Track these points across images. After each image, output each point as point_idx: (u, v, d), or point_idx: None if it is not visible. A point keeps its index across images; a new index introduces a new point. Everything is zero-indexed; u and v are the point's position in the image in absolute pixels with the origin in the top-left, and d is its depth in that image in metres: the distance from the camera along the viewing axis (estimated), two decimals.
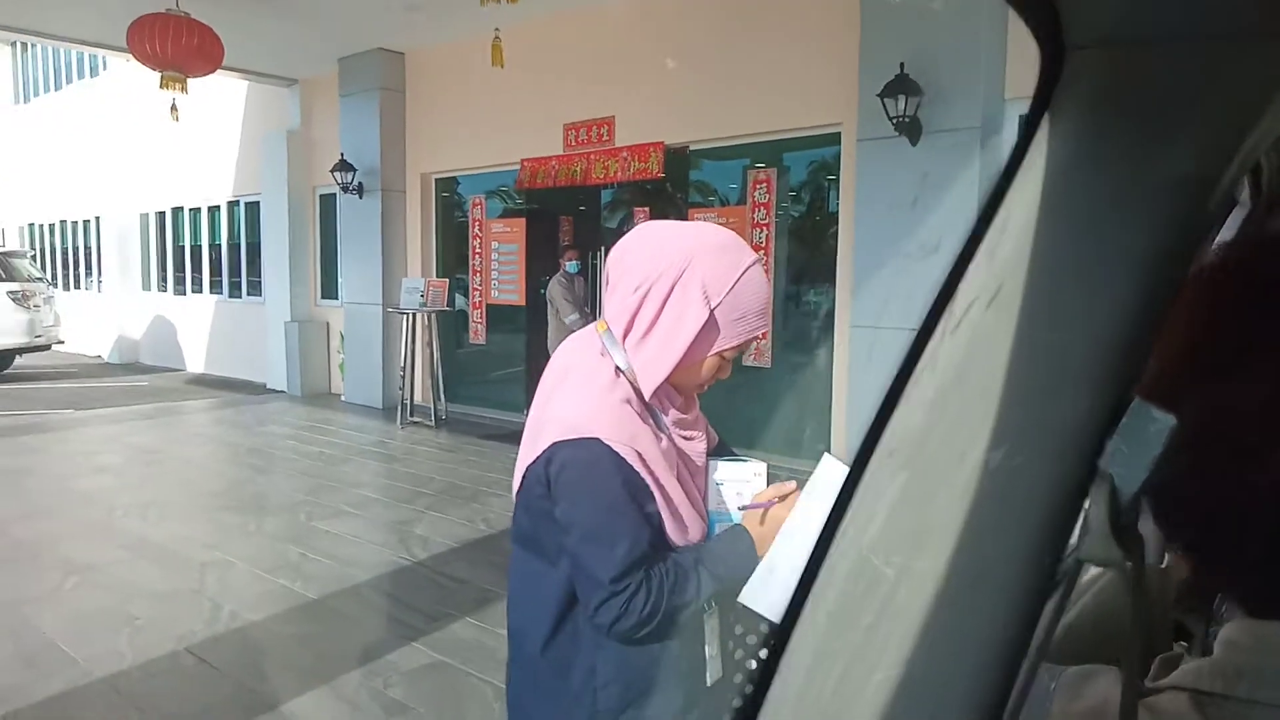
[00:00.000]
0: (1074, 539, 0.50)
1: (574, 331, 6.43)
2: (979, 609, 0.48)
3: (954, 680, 0.48)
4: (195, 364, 13.25)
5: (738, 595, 1.20)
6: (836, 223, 6.21)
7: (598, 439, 1.16)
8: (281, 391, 10.84)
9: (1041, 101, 0.47)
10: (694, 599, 1.18)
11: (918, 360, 0.52)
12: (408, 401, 8.71)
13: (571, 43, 7.63)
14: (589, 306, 7.24)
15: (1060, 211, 0.47)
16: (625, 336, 1.23)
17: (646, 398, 1.23)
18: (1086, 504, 0.48)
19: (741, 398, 6.64)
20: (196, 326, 13.19)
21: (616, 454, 1.16)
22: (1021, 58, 5.07)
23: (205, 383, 12.04)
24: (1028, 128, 0.48)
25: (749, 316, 1.23)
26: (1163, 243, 0.46)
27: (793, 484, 1.38)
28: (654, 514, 1.19)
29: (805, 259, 6.56)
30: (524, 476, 1.24)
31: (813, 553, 0.53)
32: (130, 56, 7.24)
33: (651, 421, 1.24)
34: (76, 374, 12.93)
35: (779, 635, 0.52)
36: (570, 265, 7.30)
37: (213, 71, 7.44)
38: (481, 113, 8.52)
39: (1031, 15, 0.42)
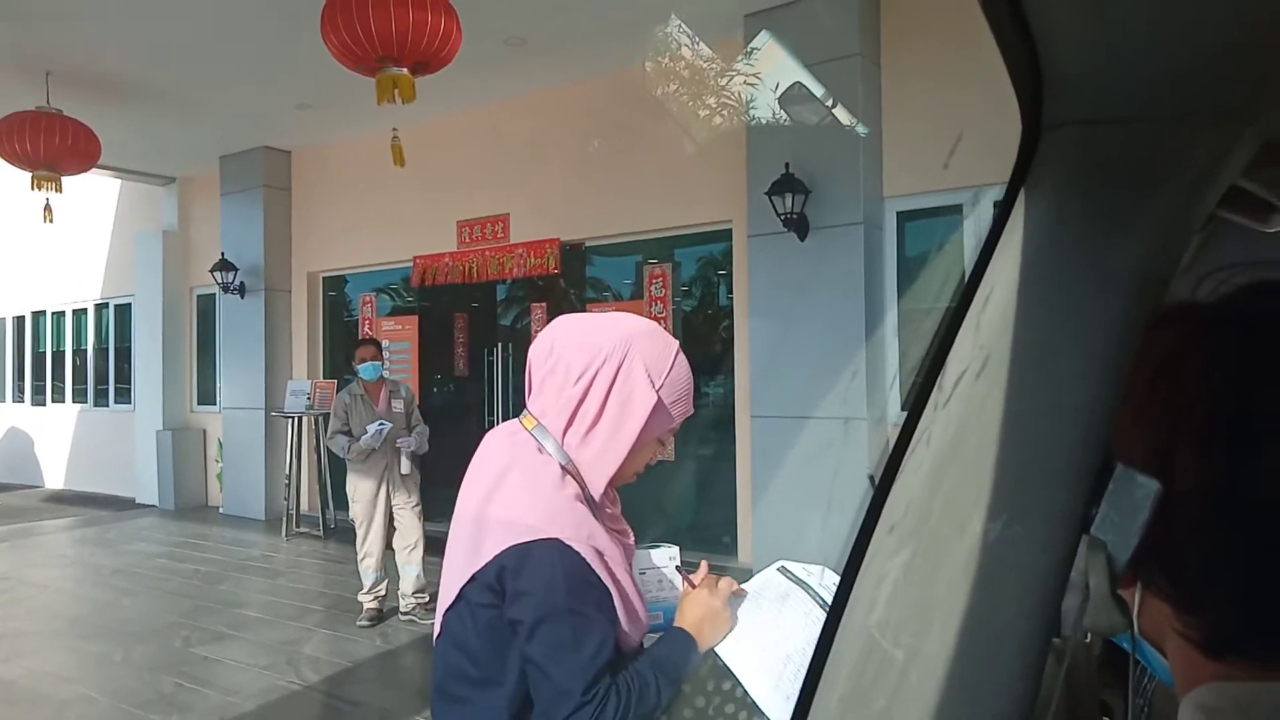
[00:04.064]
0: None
1: (352, 458, 5.11)
2: (991, 688, 0.47)
3: None
4: (55, 479, 12.25)
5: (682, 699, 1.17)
6: (730, 315, 6.38)
7: (558, 540, 1.10)
8: (152, 506, 10.10)
9: (1018, 179, 0.49)
10: (655, 706, 1.14)
11: (911, 435, 0.51)
12: (293, 511, 8.26)
13: (464, 141, 7.72)
14: (412, 422, 5.36)
15: (1040, 282, 0.49)
16: (565, 432, 1.19)
17: (597, 496, 1.19)
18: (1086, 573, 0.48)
19: (646, 492, 6.61)
20: (57, 439, 12.24)
21: (578, 555, 1.11)
22: (894, 162, 5.45)
23: (65, 499, 11.11)
24: (1005, 204, 0.50)
25: (684, 398, 1.24)
26: (1136, 307, 0.48)
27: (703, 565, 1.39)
28: (613, 615, 1.15)
29: (702, 351, 6.69)
30: (465, 585, 1.15)
31: (820, 635, 0.51)
32: None
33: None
34: None
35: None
36: (364, 369, 5.25)
37: (88, 170, 7.16)
38: (371, 210, 8.46)
39: (1021, 94, 0.44)
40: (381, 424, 5.08)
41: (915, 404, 0.52)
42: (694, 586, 1.29)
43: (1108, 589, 0.47)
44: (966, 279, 0.51)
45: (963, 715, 0.47)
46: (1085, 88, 0.47)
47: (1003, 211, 0.50)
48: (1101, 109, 0.47)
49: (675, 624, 1.25)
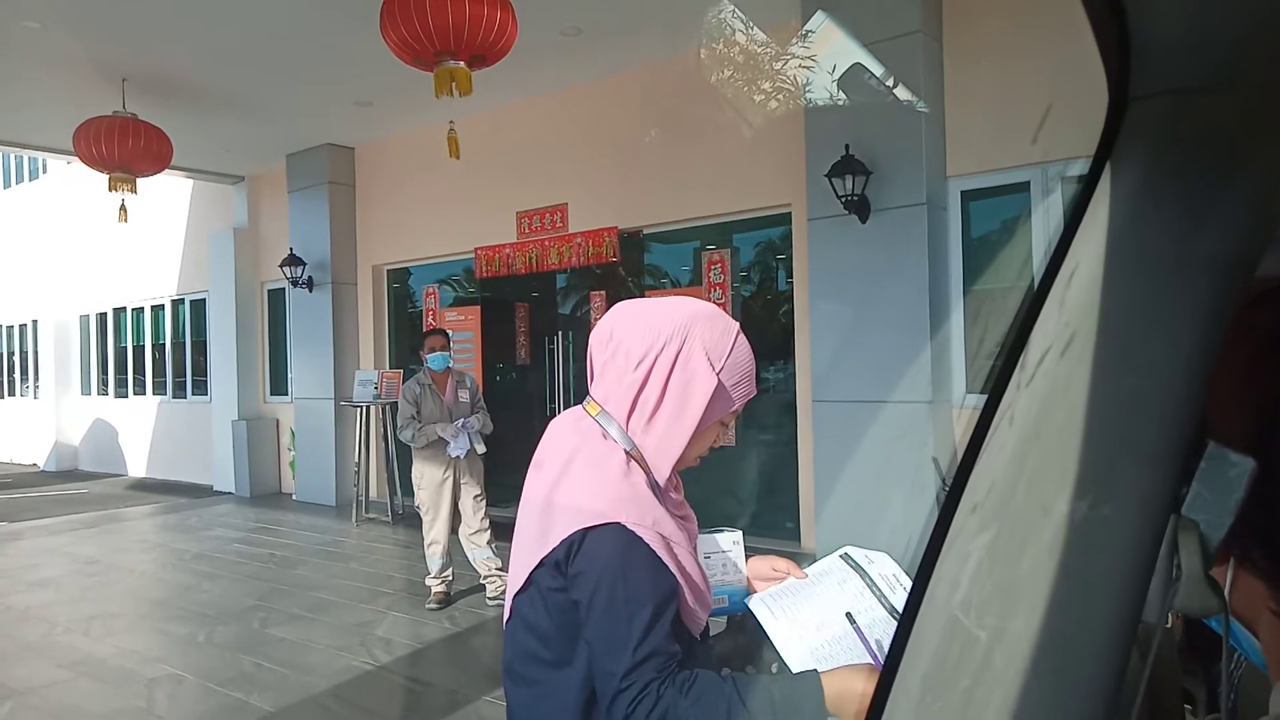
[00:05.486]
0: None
1: (420, 445, 5.08)
2: (1076, 671, 0.47)
3: None
4: (137, 468, 12.78)
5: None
6: (790, 300, 6.32)
7: (621, 524, 1.11)
8: (229, 493, 10.48)
9: (1103, 153, 0.48)
10: None
11: (994, 415, 0.51)
12: (363, 498, 8.48)
13: (522, 132, 7.79)
14: (476, 410, 5.37)
15: (1126, 259, 0.48)
16: (629, 418, 1.19)
17: (663, 483, 1.18)
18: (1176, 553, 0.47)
19: (708, 477, 6.61)
20: (139, 429, 12.77)
21: (642, 540, 1.11)
22: (957, 140, 5.32)
23: (148, 487, 11.59)
24: (1089, 179, 0.49)
25: (745, 380, 1.23)
26: (1226, 284, 0.46)
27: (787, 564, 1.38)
28: (675, 601, 1.14)
29: (762, 336, 6.65)
30: (535, 570, 1.16)
31: (902, 615, 0.51)
32: (75, 159, 7.21)
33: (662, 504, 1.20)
34: (10, 484, 12.36)
35: (874, 701, 0.50)
36: (433, 359, 5.32)
37: (161, 171, 7.42)
38: (433, 203, 8.60)
39: (1109, 64, 0.44)
40: (465, 421, 5.22)
41: (997, 382, 0.51)
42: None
43: (1200, 569, 0.46)
44: (1049, 256, 0.51)
45: (1048, 697, 0.46)
46: (1175, 55, 0.46)
47: (1086, 187, 0.49)
48: (1192, 77, 0.46)
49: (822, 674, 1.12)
